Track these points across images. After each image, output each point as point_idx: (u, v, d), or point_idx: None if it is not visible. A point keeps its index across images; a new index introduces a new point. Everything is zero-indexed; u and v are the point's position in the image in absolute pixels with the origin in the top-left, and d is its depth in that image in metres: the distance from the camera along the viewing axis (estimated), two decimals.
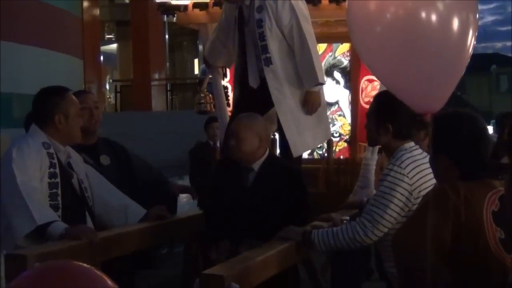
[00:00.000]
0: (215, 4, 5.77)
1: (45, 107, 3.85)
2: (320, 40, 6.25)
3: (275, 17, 5.01)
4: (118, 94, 18.73)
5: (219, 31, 5.41)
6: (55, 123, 3.80)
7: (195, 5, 5.81)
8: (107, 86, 21.08)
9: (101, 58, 18.95)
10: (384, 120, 3.50)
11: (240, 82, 5.28)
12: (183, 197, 5.48)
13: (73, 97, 3.94)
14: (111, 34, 24.19)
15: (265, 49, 5.07)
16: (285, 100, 5.11)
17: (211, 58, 5.61)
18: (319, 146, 6.15)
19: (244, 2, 5.12)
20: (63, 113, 3.83)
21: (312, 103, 5.12)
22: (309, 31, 5.06)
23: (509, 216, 2.55)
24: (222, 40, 5.41)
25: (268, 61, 5.08)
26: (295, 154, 5.06)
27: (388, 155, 3.57)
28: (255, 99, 5.08)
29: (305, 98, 5.12)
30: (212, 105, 5.99)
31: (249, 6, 5.11)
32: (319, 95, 5.14)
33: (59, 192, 3.73)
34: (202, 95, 6.08)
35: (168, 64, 19.94)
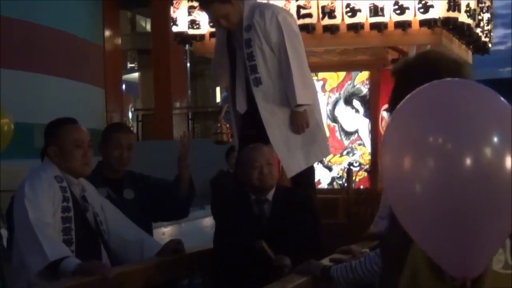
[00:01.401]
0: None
1: (45, 139, 3.83)
2: (339, 68, 6.23)
3: (263, 34, 4.86)
4: (140, 123, 18.81)
5: (215, 54, 5.31)
6: (51, 156, 3.77)
7: (212, 35, 5.80)
8: (130, 115, 21.16)
9: (123, 87, 19.06)
10: None
11: (233, 108, 5.15)
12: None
13: (72, 128, 3.86)
14: (133, 63, 24.35)
15: (254, 69, 4.92)
16: (274, 119, 4.96)
17: (218, 81, 5.58)
18: (338, 175, 6.08)
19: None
20: (57, 146, 3.78)
21: (297, 123, 4.95)
22: (296, 48, 4.91)
23: None
24: (219, 62, 5.31)
25: (258, 82, 4.93)
26: (288, 174, 4.96)
27: None
28: (253, 125, 4.98)
29: (291, 117, 4.95)
30: (229, 135, 5.95)
31: (238, 26, 4.97)
32: (304, 115, 4.94)
33: (73, 226, 3.68)
34: (218, 124, 6.05)
35: (189, 92, 19.99)
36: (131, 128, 20.53)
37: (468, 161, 2.41)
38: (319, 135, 5.15)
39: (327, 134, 6.02)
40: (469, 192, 2.43)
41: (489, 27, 6.66)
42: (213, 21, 5.00)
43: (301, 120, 4.94)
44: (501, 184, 2.46)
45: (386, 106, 5.86)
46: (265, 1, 5.54)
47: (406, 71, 2.81)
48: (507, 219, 2.55)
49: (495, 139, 2.42)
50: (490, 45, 6.80)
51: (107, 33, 16.41)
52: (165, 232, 9.20)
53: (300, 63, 4.92)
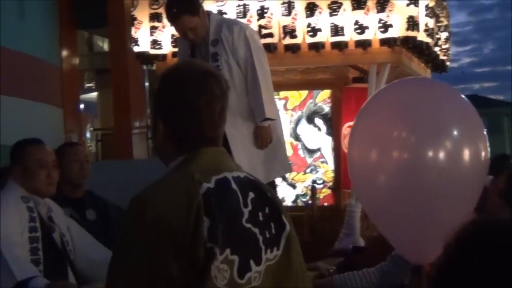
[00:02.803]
0: None
1: (10, 160, 3.81)
2: (300, 87, 6.32)
3: (231, 49, 4.89)
4: (99, 143, 18.68)
5: None
6: (15, 176, 3.75)
7: (174, 54, 5.83)
8: (88, 135, 21.00)
9: (81, 106, 18.92)
10: None
11: None
12: None
13: (36, 149, 3.82)
14: (91, 83, 24.19)
15: None
16: (238, 134, 4.96)
17: None
18: (302, 193, 6.13)
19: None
20: (21, 165, 3.76)
21: (262, 138, 4.97)
22: (262, 64, 4.94)
23: None
24: None
25: None
26: None
27: None
28: None
29: (256, 133, 4.97)
30: None
31: (203, 40, 4.98)
32: (269, 130, 4.98)
33: (40, 246, 3.65)
34: None
35: (148, 111, 19.93)
36: (89, 147, 20.45)
37: (428, 154, 2.53)
38: (280, 151, 5.17)
39: (290, 152, 6.08)
40: (429, 183, 2.54)
41: (447, 46, 6.80)
42: (180, 33, 5.02)
43: (265, 135, 4.97)
44: (459, 176, 2.57)
45: (348, 123, 5.96)
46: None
47: None
48: (464, 209, 2.64)
49: (455, 133, 2.54)
50: (448, 63, 6.94)
51: (64, 53, 16.29)
52: None
53: (266, 79, 4.96)
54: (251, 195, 2.10)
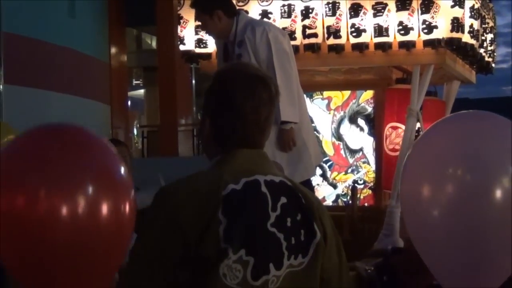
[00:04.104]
0: None
1: None
2: (344, 87, 6.34)
3: (253, 50, 4.94)
4: (145, 140, 18.86)
5: (218, 66, 5.41)
6: None
7: None
8: (135, 132, 21.22)
9: (129, 103, 19.13)
10: None
11: None
12: None
13: None
14: (138, 80, 24.44)
15: None
16: None
17: None
18: (342, 193, 6.16)
19: (229, 37, 5.07)
20: None
21: (284, 141, 4.98)
22: (284, 66, 4.95)
23: None
24: None
25: None
26: None
27: None
28: None
29: (278, 135, 4.98)
30: None
31: (233, 41, 5.06)
32: (290, 133, 4.97)
33: None
34: None
35: (195, 109, 20.05)
36: (136, 144, 20.66)
37: (485, 192, 2.47)
38: (305, 155, 5.14)
39: (332, 152, 6.10)
40: (484, 222, 2.48)
41: (492, 47, 6.75)
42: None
43: (288, 138, 4.97)
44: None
45: (390, 124, 5.96)
46: (270, 20, 5.65)
47: None
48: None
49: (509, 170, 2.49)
50: (493, 64, 6.89)
51: (113, 50, 16.51)
52: None
53: (287, 81, 4.95)
54: (283, 200, 2.14)
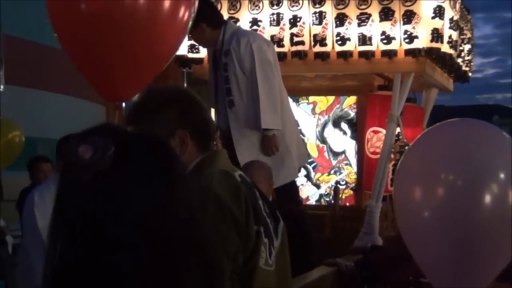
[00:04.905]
0: None
1: (56, 154, 4.02)
2: (328, 92, 6.50)
3: (238, 60, 5.13)
4: None
5: (209, 74, 5.62)
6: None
7: None
8: None
9: (123, 105, 19.26)
10: None
11: (218, 124, 5.38)
12: None
13: None
14: None
15: (228, 91, 5.20)
16: (244, 141, 5.17)
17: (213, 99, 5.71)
18: (325, 193, 6.33)
19: (217, 46, 5.28)
20: None
21: (266, 146, 5.16)
22: (266, 75, 5.12)
23: None
24: (210, 80, 5.61)
25: (231, 104, 5.21)
26: None
27: None
28: (230, 144, 5.20)
29: (261, 140, 5.19)
30: None
31: (220, 50, 5.27)
32: (272, 139, 5.15)
33: None
34: (214, 143, 6.25)
35: None
36: None
37: (475, 195, 2.62)
38: (288, 158, 5.34)
39: (316, 154, 6.28)
40: (474, 223, 2.64)
41: (469, 57, 6.89)
42: None
43: (270, 144, 5.18)
44: (504, 216, 2.66)
45: (372, 128, 6.15)
46: (259, 28, 5.82)
47: None
48: (507, 250, 2.73)
49: (500, 174, 2.64)
50: (470, 73, 7.04)
51: None
52: None
53: (269, 90, 5.14)
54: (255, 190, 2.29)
